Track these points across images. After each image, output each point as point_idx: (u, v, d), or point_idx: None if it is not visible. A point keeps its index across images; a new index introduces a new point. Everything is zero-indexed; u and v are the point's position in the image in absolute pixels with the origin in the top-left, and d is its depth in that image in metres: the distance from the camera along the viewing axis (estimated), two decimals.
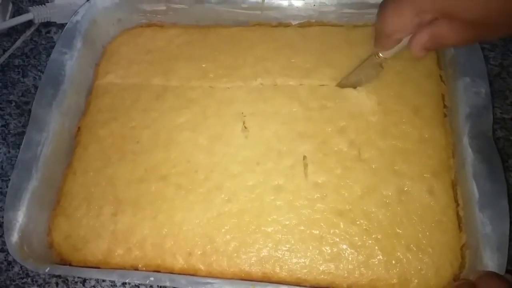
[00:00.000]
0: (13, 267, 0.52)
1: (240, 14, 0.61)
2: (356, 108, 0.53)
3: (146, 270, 0.48)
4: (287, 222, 0.48)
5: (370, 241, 0.46)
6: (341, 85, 0.54)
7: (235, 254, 0.47)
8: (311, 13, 0.60)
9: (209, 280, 0.44)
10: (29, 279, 0.52)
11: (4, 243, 0.52)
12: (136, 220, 0.50)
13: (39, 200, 0.51)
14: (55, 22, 0.65)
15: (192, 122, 0.55)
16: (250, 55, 0.59)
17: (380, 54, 0.48)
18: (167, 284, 0.44)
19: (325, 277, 0.46)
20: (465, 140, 0.48)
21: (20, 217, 0.49)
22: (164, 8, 0.62)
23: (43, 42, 0.67)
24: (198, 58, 0.59)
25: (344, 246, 0.46)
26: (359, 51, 0.56)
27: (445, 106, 0.53)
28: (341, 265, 0.46)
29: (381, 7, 0.42)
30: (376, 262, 0.46)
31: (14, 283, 0.52)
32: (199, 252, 0.48)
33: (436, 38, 0.39)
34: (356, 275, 0.46)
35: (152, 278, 0.45)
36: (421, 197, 0.48)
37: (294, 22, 0.61)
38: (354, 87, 0.54)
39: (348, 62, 0.56)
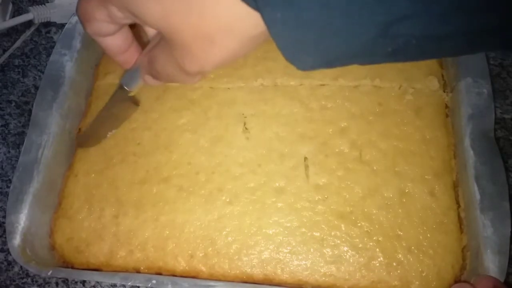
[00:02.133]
0: (13, 267, 0.53)
1: None
2: None
3: (148, 273, 0.48)
4: (288, 224, 0.48)
5: (371, 243, 0.46)
6: (95, 125, 0.50)
7: (237, 256, 0.47)
8: None
9: (211, 283, 0.44)
10: (29, 279, 0.52)
11: (4, 243, 0.52)
12: (137, 222, 0.50)
13: (40, 202, 0.51)
14: (55, 22, 0.65)
15: (193, 123, 0.54)
16: (250, 55, 0.58)
17: (125, 88, 0.42)
18: (169, 287, 0.45)
19: (327, 279, 0.46)
20: (467, 141, 0.48)
21: (22, 220, 0.49)
22: None
23: (43, 42, 0.66)
24: None
25: (345, 248, 0.47)
26: None
27: (446, 107, 0.53)
28: (342, 267, 0.46)
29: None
30: (377, 264, 0.46)
31: (14, 283, 0.52)
32: (200, 254, 0.48)
33: (151, 63, 0.36)
34: (357, 277, 0.46)
35: (154, 281, 0.45)
36: (422, 199, 0.48)
37: None
38: (109, 130, 0.50)
39: None
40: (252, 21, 0.28)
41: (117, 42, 0.38)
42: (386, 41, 0.26)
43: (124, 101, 0.44)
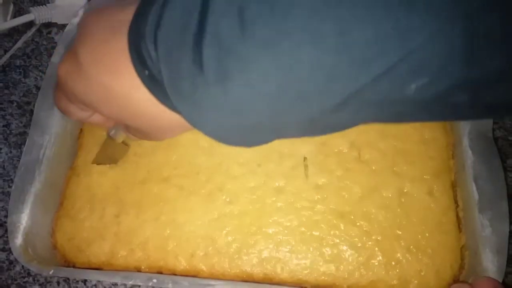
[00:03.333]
0: (14, 266, 0.53)
1: None
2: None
3: (148, 272, 0.49)
4: (288, 224, 0.48)
5: (370, 243, 0.47)
6: (96, 162, 0.53)
7: (237, 256, 0.48)
8: None
9: (211, 282, 0.45)
10: (31, 278, 0.52)
11: (5, 242, 0.53)
12: (138, 222, 0.50)
13: (42, 202, 0.51)
14: (56, 23, 0.65)
15: None
16: None
17: (110, 135, 0.46)
18: (170, 286, 0.45)
19: (326, 278, 0.46)
20: (465, 141, 0.48)
21: (24, 219, 0.49)
22: None
23: (44, 42, 0.67)
24: None
25: (345, 247, 0.47)
26: None
27: None
28: (342, 266, 0.46)
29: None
30: (376, 264, 0.46)
31: (15, 282, 0.52)
32: (201, 254, 0.48)
33: (127, 129, 0.40)
34: (356, 276, 0.46)
35: (155, 280, 0.45)
36: (421, 199, 0.48)
37: None
38: (110, 163, 0.52)
39: None
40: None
41: (99, 118, 0.42)
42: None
43: (115, 145, 0.49)
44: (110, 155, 0.51)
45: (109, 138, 0.45)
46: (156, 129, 0.35)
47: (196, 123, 0.30)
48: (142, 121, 0.34)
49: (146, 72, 0.29)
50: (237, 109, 0.27)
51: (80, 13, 0.59)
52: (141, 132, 0.37)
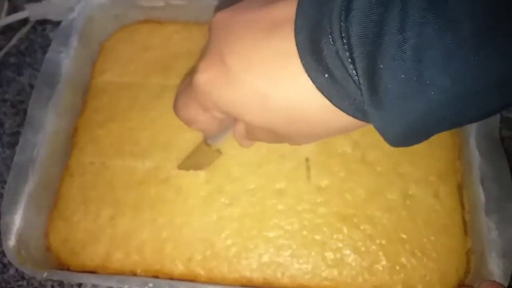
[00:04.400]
0: (8, 269, 0.52)
1: None
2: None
3: (145, 275, 0.47)
4: (289, 227, 0.47)
5: (374, 247, 0.46)
6: (182, 168, 0.50)
7: (236, 260, 0.47)
8: None
9: (209, 287, 0.44)
10: (25, 282, 0.51)
11: None
12: (135, 224, 0.49)
13: (36, 203, 0.50)
14: (51, 20, 0.64)
15: None
16: None
17: (209, 142, 0.44)
18: None
19: (328, 283, 0.45)
20: (472, 142, 0.47)
21: (17, 220, 0.48)
22: (162, 4, 0.60)
23: (39, 40, 0.65)
24: (198, 56, 0.58)
25: (348, 252, 0.46)
26: None
27: None
28: (344, 271, 0.45)
29: (175, 95, 0.40)
30: (380, 268, 0.45)
31: (9, 285, 0.51)
32: (199, 257, 0.47)
33: (250, 133, 0.36)
34: (359, 281, 0.45)
35: (151, 284, 0.44)
36: (426, 201, 0.47)
37: None
38: (195, 170, 0.50)
39: None
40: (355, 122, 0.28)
41: (213, 127, 0.39)
42: None
43: (208, 152, 0.47)
44: (200, 161, 0.49)
45: (205, 144, 0.44)
46: (310, 136, 0.32)
47: (387, 127, 0.26)
48: (300, 128, 0.31)
49: (326, 75, 0.26)
50: (432, 108, 0.24)
51: (75, 9, 0.58)
52: (283, 138, 0.33)
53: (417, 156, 0.49)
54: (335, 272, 0.45)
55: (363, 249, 0.46)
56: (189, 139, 0.52)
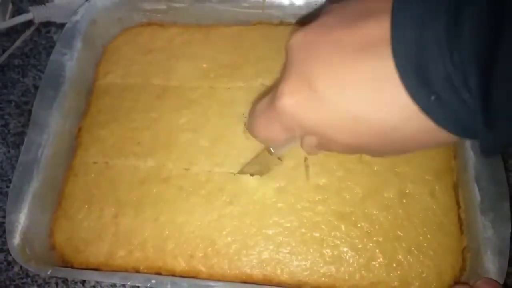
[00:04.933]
0: (12, 267, 0.53)
1: (241, 13, 0.61)
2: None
3: (147, 272, 0.48)
4: (288, 225, 0.48)
5: (371, 244, 0.46)
6: (242, 173, 0.51)
7: (236, 257, 0.47)
8: (312, 12, 0.60)
9: (211, 283, 0.44)
10: (29, 279, 0.52)
11: (3, 243, 0.52)
12: (137, 222, 0.50)
13: (40, 202, 0.51)
14: (55, 22, 0.65)
15: (193, 123, 0.54)
16: (251, 55, 0.58)
17: (272, 150, 0.44)
18: (169, 287, 0.44)
19: (326, 279, 0.46)
20: (467, 142, 0.48)
21: (22, 219, 0.49)
22: (164, 7, 0.61)
23: (43, 42, 0.66)
24: (199, 58, 0.59)
25: (345, 249, 0.46)
26: None
27: None
28: (342, 267, 0.46)
29: (250, 116, 0.39)
30: (377, 265, 0.46)
31: (14, 283, 0.52)
32: (200, 255, 0.48)
33: (322, 145, 0.36)
34: (357, 278, 0.46)
35: (153, 281, 0.45)
36: (422, 200, 0.48)
37: (295, 21, 0.61)
38: (255, 175, 0.50)
39: None
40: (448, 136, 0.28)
41: (287, 142, 0.39)
42: None
43: (270, 159, 0.47)
44: (260, 168, 0.49)
45: (269, 152, 0.44)
46: (400, 151, 0.31)
47: (493, 143, 0.25)
48: (392, 146, 0.30)
49: (433, 97, 0.25)
50: None
51: (79, 12, 0.59)
52: (367, 152, 0.33)
53: (413, 155, 0.49)
54: (333, 268, 0.46)
55: (360, 246, 0.46)
56: (191, 138, 0.53)
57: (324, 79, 0.29)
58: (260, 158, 0.48)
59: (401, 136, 0.28)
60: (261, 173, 0.50)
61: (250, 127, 0.39)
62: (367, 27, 0.27)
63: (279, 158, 0.48)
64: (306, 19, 0.60)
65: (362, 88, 0.28)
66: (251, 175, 0.50)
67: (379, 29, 0.27)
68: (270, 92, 0.35)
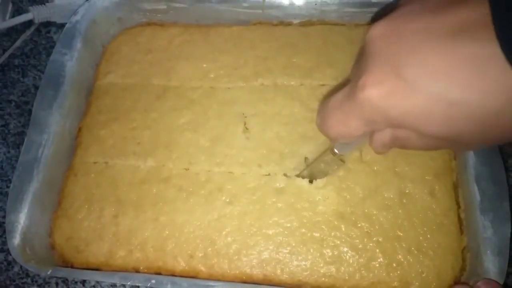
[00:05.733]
0: (13, 267, 0.53)
1: (241, 13, 0.61)
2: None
3: (147, 272, 0.48)
4: (288, 225, 0.48)
5: (371, 244, 0.46)
6: (302, 176, 0.50)
7: (236, 257, 0.47)
8: (312, 12, 0.60)
9: (211, 283, 0.44)
10: (29, 279, 0.52)
11: (4, 243, 0.52)
12: (137, 222, 0.50)
13: (40, 202, 0.51)
14: (55, 22, 0.65)
15: (193, 123, 0.54)
16: (251, 55, 0.58)
17: (336, 151, 0.43)
18: (169, 287, 0.44)
19: (326, 279, 0.46)
20: None
21: (21, 219, 0.49)
22: (164, 7, 0.62)
23: (43, 42, 0.66)
24: (199, 58, 0.59)
25: (345, 249, 0.46)
26: None
27: None
28: (342, 267, 0.46)
29: (323, 113, 0.38)
30: (377, 265, 0.46)
31: (14, 283, 0.52)
32: (200, 255, 0.48)
33: (398, 140, 0.35)
34: (357, 277, 0.46)
35: (153, 281, 0.45)
36: (422, 200, 0.48)
37: (295, 21, 0.61)
38: (314, 179, 0.50)
39: (350, 61, 0.55)
40: None
41: (359, 138, 0.38)
42: None
43: (332, 160, 0.46)
44: (322, 169, 0.49)
45: (332, 153, 0.43)
46: (494, 140, 0.31)
47: None
48: (488, 134, 0.29)
49: None
50: None
51: (79, 12, 0.59)
52: (454, 144, 0.33)
53: (413, 155, 0.50)
54: (333, 269, 0.46)
55: (360, 246, 0.46)
56: (191, 138, 0.53)
57: (413, 67, 0.28)
58: (323, 160, 0.47)
59: (502, 121, 0.27)
60: (322, 176, 0.49)
61: (322, 124, 0.38)
62: (458, 12, 0.27)
63: (341, 160, 0.46)
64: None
65: (459, 73, 0.27)
66: (309, 178, 0.49)
67: (473, 13, 0.26)
68: (344, 87, 0.35)
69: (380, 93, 0.30)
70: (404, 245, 0.46)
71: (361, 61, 0.33)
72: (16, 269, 0.52)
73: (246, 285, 0.45)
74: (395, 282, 0.45)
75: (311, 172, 0.49)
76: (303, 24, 0.61)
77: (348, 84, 0.35)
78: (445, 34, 0.27)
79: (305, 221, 0.48)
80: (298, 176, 0.50)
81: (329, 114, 0.36)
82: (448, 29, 0.27)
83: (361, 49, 0.34)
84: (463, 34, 0.27)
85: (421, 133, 0.31)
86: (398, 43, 0.30)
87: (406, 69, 0.29)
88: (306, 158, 0.51)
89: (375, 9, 0.58)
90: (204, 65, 0.58)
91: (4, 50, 0.66)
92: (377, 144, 0.37)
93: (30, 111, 0.56)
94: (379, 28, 0.31)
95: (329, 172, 0.49)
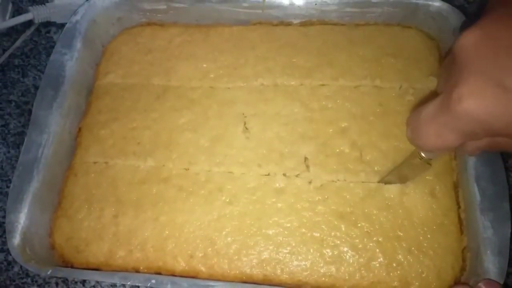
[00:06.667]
0: (13, 267, 0.53)
1: (241, 13, 0.61)
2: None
3: (147, 272, 0.48)
4: (288, 225, 0.48)
5: (371, 244, 0.46)
6: (385, 181, 0.49)
7: (236, 257, 0.47)
8: (312, 12, 0.60)
9: (211, 283, 0.44)
10: (29, 279, 0.52)
11: (4, 243, 0.52)
12: (137, 222, 0.50)
13: (40, 202, 0.51)
14: (55, 22, 0.65)
15: (193, 123, 0.54)
16: (251, 55, 0.58)
17: (423, 155, 0.42)
18: (169, 287, 0.44)
19: (326, 279, 0.46)
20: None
21: (22, 219, 0.49)
22: (164, 7, 0.62)
23: (43, 42, 0.66)
24: (199, 58, 0.59)
25: (345, 249, 0.46)
26: (361, 51, 0.56)
27: None
28: (342, 267, 0.46)
29: (414, 126, 0.36)
30: (377, 265, 0.46)
31: (14, 283, 0.52)
32: (200, 255, 0.48)
33: (495, 144, 0.34)
34: (357, 277, 0.46)
35: (153, 281, 0.45)
36: (422, 200, 0.48)
37: (295, 21, 0.61)
38: (398, 183, 0.49)
39: (350, 61, 0.56)
40: None
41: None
42: None
43: (418, 165, 0.44)
44: (405, 174, 0.48)
45: (419, 157, 0.42)
46: None
47: None
48: None
49: None
50: None
51: (79, 12, 0.59)
52: None
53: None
54: (333, 268, 0.46)
55: (360, 246, 0.46)
56: (190, 138, 0.53)
57: None
58: (409, 164, 0.46)
59: None
60: (406, 180, 0.48)
61: (415, 137, 0.36)
62: None
63: (429, 163, 0.44)
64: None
65: None
66: (399, 183, 0.48)
67: None
68: (436, 98, 0.33)
69: (479, 104, 0.29)
70: (404, 245, 0.46)
71: (451, 71, 0.32)
72: (16, 269, 0.52)
73: (246, 285, 0.45)
74: (395, 282, 0.45)
75: (399, 176, 0.48)
76: (303, 24, 0.61)
77: (438, 95, 0.33)
78: None
79: (305, 221, 0.48)
80: (380, 182, 0.49)
81: (423, 127, 0.35)
82: None
83: (450, 58, 0.33)
84: None
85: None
86: (494, 51, 0.28)
87: (506, 78, 0.27)
88: (306, 158, 0.51)
89: (375, 9, 0.58)
90: (204, 65, 0.58)
91: (4, 50, 0.66)
92: (471, 149, 0.36)
93: (30, 111, 0.56)
94: (471, 36, 0.30)
95: (415, 176, 0.48)
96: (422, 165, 0.43)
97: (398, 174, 0.48)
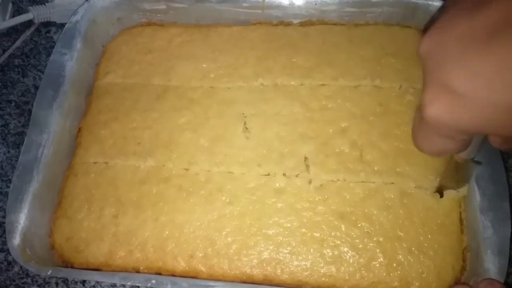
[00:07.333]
0: (13, 267, 0.52)
1: (240, 13, 0.61)
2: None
3: (147, 273, 0.48)
4: (288, 225, 0.48)
5: (371, 244, 0.46)
6: (441, 188, 0.48)
7: (236, 257, 0.47)
8: (312, 12, 0.60)
9: (211, 283, 0.44)
10: (29, 279, 0.52)
11: (4, 243, 0.52)
12: (137, 222, 0.50)
13: (40, 202, 0.51)
14: (55, 22, 0.65)
15: (193, 123, 0.54)
16: (251, 55, 0.58)
17: (462, 157, 0.41)
18: (169, 287, 0.44)
19: (326, 279, 0.46)
20: None
21: (21, 219, 0.49)
22: (164, 7, 0.62)
23: (43, 42, 0.66)
24: (199, 58, 0.59)
25: (345, 249, 0.46)
26: (361, 50, 0.56)
27: None
28: (342, 267, 0.46)
29: (412, 135, 0.37)
30: (377, 265, 0.46)
31: (14, 283, 0.52)
32: (200, 255, 0.48)
33: (507, 139, 0.34)
34: (357, 277, 0.46)
35: (153, 281, 0.45)
36: (423, 200, 0.48)
37: (295, 21, 0.61)
38: (455, 188, 0.48)
39: (349, 61, 0.56)
40: None
41: (465, 146, 0.36)
42: None
43: (467, 166, 0.45)
44: (459, 177, 0.47)
45: (459, 160, 0.42)
46: None
47: None
48: None
49: None
50: None
51: (79, 12, 0.59)
52: None
53: (414, 156, 0.49)
54: (333, 268, 0.46)
55: (360, 246, 0.46)
56: (190, 138, 0.53)
57: (460, 79, 0.27)
58: (458, 168, 0.46)
59: None
60: (464, 183, 0.48)
61: (415, 144, 0.37)
62: (485, 15, 0.26)
63: (475, 161, 0.44)
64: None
65: (505, 74, 0.26)
66: (458, 188, 0.48)
67: (498, 13, 0.26)
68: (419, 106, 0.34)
69: (438, 111, 0.29)
70: (404, 245, 0.46)
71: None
72: (16, 269, 0.52)
73: (246, 285, 0.45)
74: (395, 282, 0.45)
75: (454, 182, 0.47)
76: (303, 24, 0.61)
77: None
78: (481, 38, 0.27)
79: (305, 221, 0.48)
80: (436, 192, 0.48)
81: (414, 135, 0.36)
82: (483, 32, 0.27)
83: None
84: (498, 35, 0.26)
85: (503, 136, 0.31)
86: (441, 56, 0.29)
87: (455, 82, 0.28)
88: (306, 158, 0.51)
89: (375, 9, 0.58)
90: (204, 65, 0.58)
91: (4, 50, 0.66)
92: (495, 144, 0.35)
93: (30, 111, 0.56)
94: (424, 44, 0.31)
95: (471, 175, 0.47)
96: (473, 165, 0.44)
97: (452, 179, 0.47)
